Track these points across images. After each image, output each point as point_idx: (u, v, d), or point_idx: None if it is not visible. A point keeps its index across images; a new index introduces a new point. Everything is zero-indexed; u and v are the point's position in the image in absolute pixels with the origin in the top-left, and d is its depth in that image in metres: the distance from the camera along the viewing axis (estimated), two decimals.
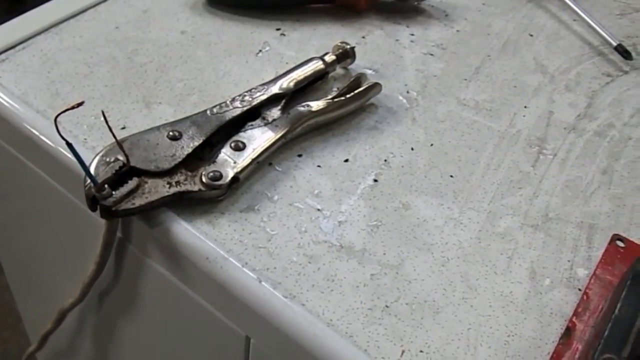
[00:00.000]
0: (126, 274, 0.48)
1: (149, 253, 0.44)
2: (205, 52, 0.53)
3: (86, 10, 0.55)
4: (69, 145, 0.37)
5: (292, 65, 0.51)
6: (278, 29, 0.56)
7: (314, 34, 0.56)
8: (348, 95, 0.48)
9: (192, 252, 0.40)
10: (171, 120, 0.46)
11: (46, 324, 0.57)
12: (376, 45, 0.56)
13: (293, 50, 0.54)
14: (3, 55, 0.51)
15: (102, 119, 0.46)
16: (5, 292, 1.53)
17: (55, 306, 0.54)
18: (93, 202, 0.40)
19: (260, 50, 0.54)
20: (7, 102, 0.47)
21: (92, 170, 0.40)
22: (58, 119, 0.36)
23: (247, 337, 0.42)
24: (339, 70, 0.52)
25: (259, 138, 0.45)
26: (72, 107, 0.36)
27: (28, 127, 0.46)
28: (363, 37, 0.57)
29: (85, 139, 0.45)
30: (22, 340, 1.46)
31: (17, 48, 0.51)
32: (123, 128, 0.46)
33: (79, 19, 0.55)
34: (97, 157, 0.41)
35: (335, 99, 0.48)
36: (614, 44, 0.58)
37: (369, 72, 0.53)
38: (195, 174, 0.42)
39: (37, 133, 0.46)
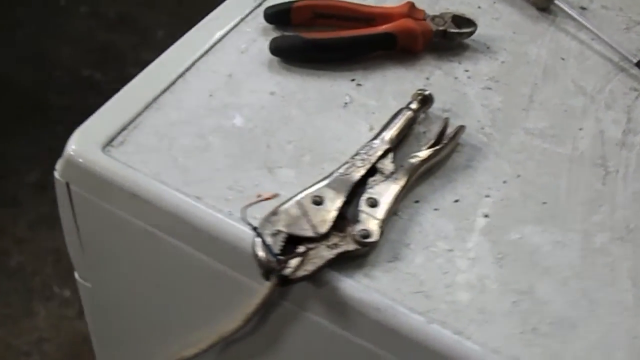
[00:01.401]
0: (272, 326, 0.52)
1: (308, 308, 0.49)
2: (298, 110, 0.58)
3: (176, 81, 0.59)
4: (259, 234, 0.42)
5: (378, 114, 0.57)
6: (353, 80, 0.62)
7: (385, 80, 0.62)
8: (445, 141, 0.55)
9: (362, 304, 0.46)
10: (295, 182, 0.51)
11: None
12: (440, 86, 0.62)
13: (373, 99, 0.60)
14: (120, 137, 0.54)
15: (236, 189, 0.51)
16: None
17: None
18: (268, 272, 0.45)
19: (346, 103, 0.59)
20: (145, 184, 0.51)
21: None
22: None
23: None
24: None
25: (386, 192, 0.51)
26: (265, 199, 0.41)
27: (171, 206, 0.50)
28: (427, 79, 0.63)
29: (229, 211, 0.50)
30: None
31: (129, 128, 0.55)
32: (259, 196, 0.51)
33: (172, 90, 0.58)
34: (263, 232, 0.46)
35: (436, 146, 0.54)
36: (634, 60, 0.67)
37: (443, 112, 0.60)
38: (345, 234, 0.48)
39: (180, 210, 0.50)
